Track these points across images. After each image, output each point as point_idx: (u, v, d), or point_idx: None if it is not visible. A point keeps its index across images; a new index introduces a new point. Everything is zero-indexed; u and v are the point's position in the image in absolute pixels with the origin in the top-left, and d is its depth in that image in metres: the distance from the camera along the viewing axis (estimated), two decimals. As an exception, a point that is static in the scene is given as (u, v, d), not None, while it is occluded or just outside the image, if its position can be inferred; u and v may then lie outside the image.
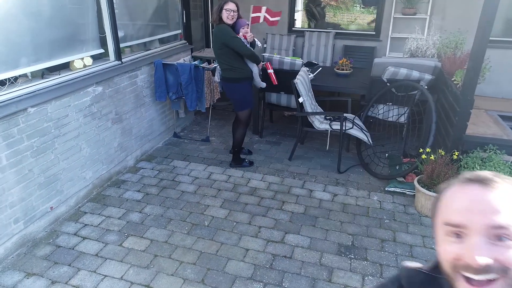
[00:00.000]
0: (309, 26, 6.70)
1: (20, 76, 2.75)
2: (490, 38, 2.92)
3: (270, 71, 4.09)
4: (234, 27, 3.55)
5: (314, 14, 6.73)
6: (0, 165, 2.53)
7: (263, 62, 4.19)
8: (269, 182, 3.70)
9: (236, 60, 3.57)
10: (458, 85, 3.31)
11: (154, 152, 4.31)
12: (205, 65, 4.32)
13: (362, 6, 7.56)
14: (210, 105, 4.59)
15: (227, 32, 3.45)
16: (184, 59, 4.68)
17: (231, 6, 3.43)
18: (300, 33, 6.01)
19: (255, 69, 3.69)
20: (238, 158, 3.98)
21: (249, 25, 3.63)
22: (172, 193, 3.48)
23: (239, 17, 3.55)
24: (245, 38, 3.56)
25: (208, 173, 3.85)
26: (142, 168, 3.93)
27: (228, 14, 3.44)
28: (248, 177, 3.79)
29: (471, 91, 3.00)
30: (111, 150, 3.64)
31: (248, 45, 3.59)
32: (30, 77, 2.86)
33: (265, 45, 6.02)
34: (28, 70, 2.79)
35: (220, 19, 3.47)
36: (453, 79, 3.42)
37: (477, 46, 2.89)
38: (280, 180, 3.74)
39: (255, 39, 3.76)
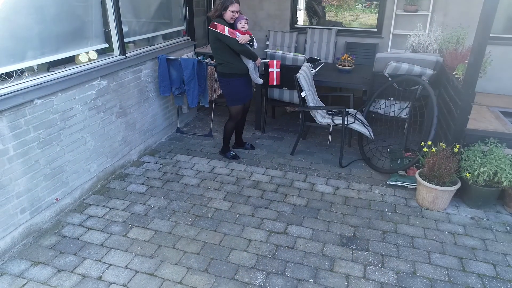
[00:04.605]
0: (311, 24, 6.73)
1: (26, 69, 2.79)
2: (492, 35, 2.94)
3: (272, 70, 4.10)
4: (233, 23, 3.60)
5: (316, 11, 6.76)
6: (7, 155, 2.57)
7: (266, 60, 4.22)
8: (271, 176, 3.73)
9: (230, 55, 3.61)
10: (459, 79, 3.34)
11: (158, 147, 4.34)
12: (208, 60, 4.35)
13: (364, 4, 7.58)
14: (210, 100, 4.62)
15: None
16: (187, 54, 4.71)
17: (236, 7, 3.51)
18: (302, 30, 6.04)
19: (251, 65, 3.71)
20: (224, 148, 4.11)
21: (247, 20, 3.65)
22: (176, 186, 3.52)
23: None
24: (241, 33, 3.57)
25: (211, 167, 3.89)
26: (146, 162, 3.97)
27: (233, 15, 3.51)
28: (250, 171, 3.83)
29: (472, 84, 3.03)
30: (115, 143, 3.68)
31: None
32: (36, 70, 2.90)
33: (267, 42, 6.06)
34: (34, 63, 2.83)
35: (220, 15, 3.52)
36: (454, 73, 3.44)
37: (479, 40, 2.91)
38: (283, 174, 3.78)
39: (254, 39, 3.78)
